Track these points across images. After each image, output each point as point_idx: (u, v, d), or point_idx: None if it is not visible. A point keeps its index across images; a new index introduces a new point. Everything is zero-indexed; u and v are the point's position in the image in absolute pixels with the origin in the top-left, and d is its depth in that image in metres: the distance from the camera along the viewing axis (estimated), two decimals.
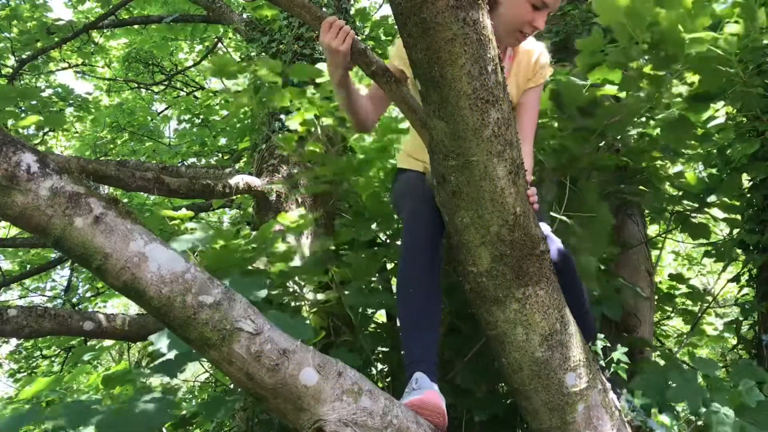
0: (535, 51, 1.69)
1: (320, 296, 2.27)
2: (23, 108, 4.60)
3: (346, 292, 2.16)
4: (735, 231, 2.51)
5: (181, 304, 1.17)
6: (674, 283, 2.82)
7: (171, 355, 1.69)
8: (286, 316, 1.69)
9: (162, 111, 8.03)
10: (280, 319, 1.66)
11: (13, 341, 5.96)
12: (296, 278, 2.24)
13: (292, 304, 2.25)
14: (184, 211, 2.46)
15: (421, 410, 1.34)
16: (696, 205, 2.33)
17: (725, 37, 1.78)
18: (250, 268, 2.14)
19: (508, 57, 1.66)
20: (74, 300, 6.26)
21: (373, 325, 2.45)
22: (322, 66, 2.62)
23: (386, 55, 4.32)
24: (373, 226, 2.39)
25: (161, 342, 1.66)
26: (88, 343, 3.77)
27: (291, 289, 2.26)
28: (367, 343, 2.14)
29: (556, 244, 1.58)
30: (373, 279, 2.31)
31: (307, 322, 1.73)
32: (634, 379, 1.65)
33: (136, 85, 7.69)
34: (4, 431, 1.58)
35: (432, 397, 1.35)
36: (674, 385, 1.56)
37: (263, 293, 1.80)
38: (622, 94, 2.41)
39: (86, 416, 1.57)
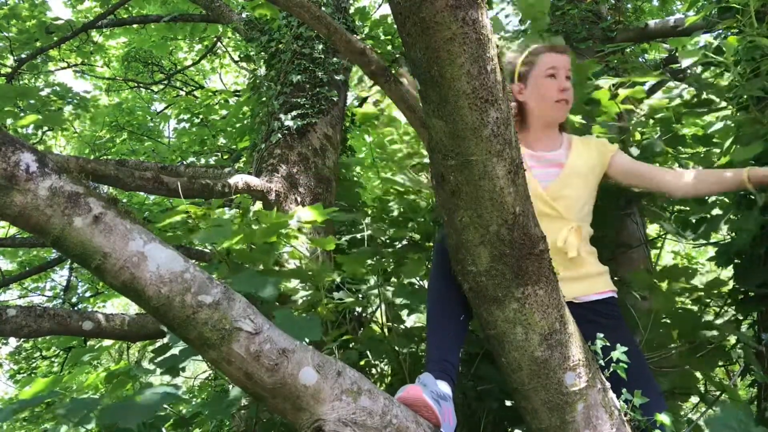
0: (589, 137, 1.88)
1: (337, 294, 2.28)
2: (22, 107, 4.60)
3: (390, 289, 2.17)
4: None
5: (180, 304, 1.17)
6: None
7: (175, 350, 1.69)
8: (293, 314, 1.68)
9: (161, 110, 8.02)
10: (288, 317, 1.65)
11: (13, 342, 5.96)
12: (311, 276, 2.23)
13: (300, 301, 2.25)
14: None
15: (408, 406, 1.35)
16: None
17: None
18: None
19: (564, 145, 1.82)
20: (73, 300, 6.26)
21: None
22: None
23: (386, 55, 4.32)
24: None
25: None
26: (88, 344, 3.77)
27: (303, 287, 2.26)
28: (399, 343, 2.14)
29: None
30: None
31: (317, 320, 1.73)
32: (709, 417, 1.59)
33: (136, 85, 7.69)
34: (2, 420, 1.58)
35: (411, 392, 1.36)
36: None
37: (275, 291, 1.79)
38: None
39: (89, 412, 1.57)
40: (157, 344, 1.72)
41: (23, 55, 5.68)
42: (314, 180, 3.52)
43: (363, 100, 3.75)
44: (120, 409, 1.54)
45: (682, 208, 2.43)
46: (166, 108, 7.93)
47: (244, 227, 2.03)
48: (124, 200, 6.21)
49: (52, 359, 5.91)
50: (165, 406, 1.63)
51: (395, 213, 2.81)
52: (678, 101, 2.38)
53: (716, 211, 2.30)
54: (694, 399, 2.42)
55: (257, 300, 1.74)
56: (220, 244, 1.99)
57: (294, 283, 2.32)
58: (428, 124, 1.31)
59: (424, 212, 2.65)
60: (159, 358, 1.78)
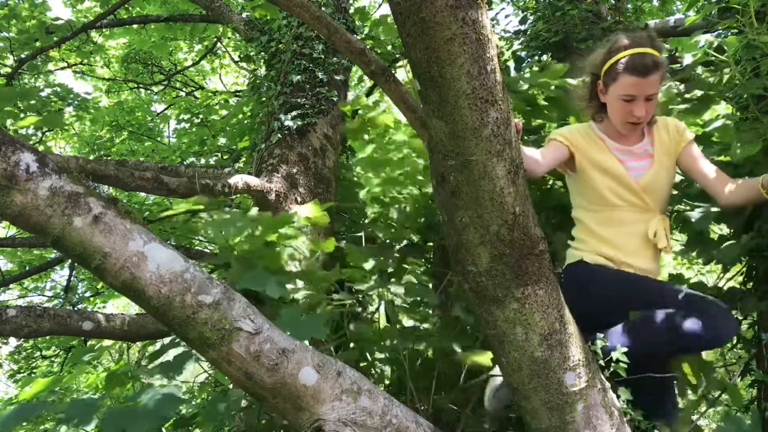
0: (668, 121, 1.89)
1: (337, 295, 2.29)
2: (22, 108, 4.60)
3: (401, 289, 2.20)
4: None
5: (180, 304, 1.17)
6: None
7: (170, 355, 1.69)
8: (299, 313, 1.68)
9: (161, 111, 8.02)
10: (293, 316, 1.65)
11: (13, 342, 5.96)
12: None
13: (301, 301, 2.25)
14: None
15: None
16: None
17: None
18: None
19: (647, 133, 1.86)
20: (74, 300, 6.26)
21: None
22: None
23: (386, 55, 4.32)
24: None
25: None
26: (88, 344, 3.77)
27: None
28: (399, 342, 2.15)
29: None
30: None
31: (321, 318, 1.73)
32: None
33: (135, 86, 7.69)
34: (4, 427, 1.57)
35: None
36: None
37: (282, 290, 1.79)
38: None
39: (89, 412, 1.56)
40: (155, 346, 1.72)
41: (23, 55, 5.68)
42: (314, 180, 3.53)
43: (354, 113, 3.74)
44: (123, 416, 1.52)
45: (681, 208, 2.43)
46: (166, 109, 7.92)
47: (246, 222, 2.03)
48: (124, 200, 6.21)
49: (52, 359, 5.90)
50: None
51: (395, 215, 2.81)
52: (676, 99, 2.37)
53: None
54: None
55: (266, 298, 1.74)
56: (230, 240, 1.99)
57: (296, 283, 2.33)
58: (428, 124, 1.31)
59: (415, 215, 2.65)
60: (154, 363, 1.78)
